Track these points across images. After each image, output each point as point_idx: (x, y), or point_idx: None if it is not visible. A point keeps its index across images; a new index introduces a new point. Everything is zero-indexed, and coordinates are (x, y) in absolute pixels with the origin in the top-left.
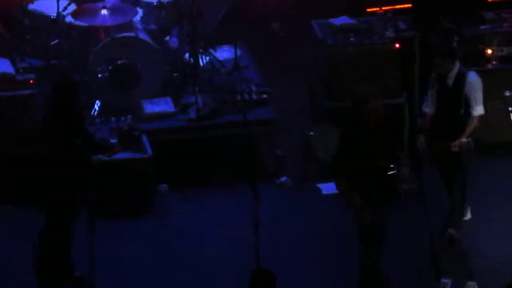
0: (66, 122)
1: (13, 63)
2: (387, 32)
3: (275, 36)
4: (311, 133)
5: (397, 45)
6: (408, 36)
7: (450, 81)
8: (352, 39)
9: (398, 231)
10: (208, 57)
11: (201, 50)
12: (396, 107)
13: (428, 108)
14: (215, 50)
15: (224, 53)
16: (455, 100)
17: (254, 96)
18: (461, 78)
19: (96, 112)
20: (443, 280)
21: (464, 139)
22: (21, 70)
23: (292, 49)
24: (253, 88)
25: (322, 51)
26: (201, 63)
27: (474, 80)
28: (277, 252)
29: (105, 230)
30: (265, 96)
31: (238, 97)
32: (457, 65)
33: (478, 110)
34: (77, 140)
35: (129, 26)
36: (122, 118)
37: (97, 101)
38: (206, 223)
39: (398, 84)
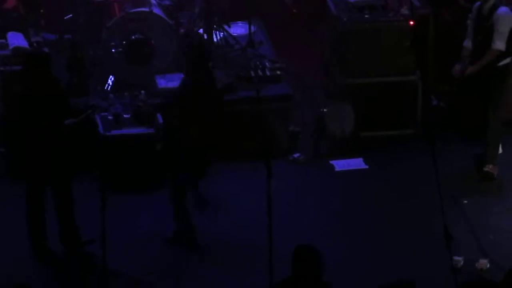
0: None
1: (27, 37)
2: (402, 9)
3: (289, 12)
4: (325, 109)
5: (411, 23)
6: (423, 13)
7: (485, 13)
8: (367, 16)
9: (411, 213)
10: (222, 33)
11: (215, 26)
12: (409, 84)
13: (466, 42)
14: (229, 26)
15: (238, 29)
16: (486, 32)
17: (268, 72)
18: (494, 11)
19: (109, 87)
20: (455, 257)
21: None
22: (35, 44)
23: (306, 26)
24: (267, 64)
25: (337, 28)
26: (215, 39)
27: (502, 14)
28: (290, 228)
29: (118, 205)
30: (279, 72)
31: (252, 73)
32: None
33: (498, 44)
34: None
35: (144, 1)
36: (136, 93)
37: (111, 76)
38: (219, 199)
39: (412, 61)
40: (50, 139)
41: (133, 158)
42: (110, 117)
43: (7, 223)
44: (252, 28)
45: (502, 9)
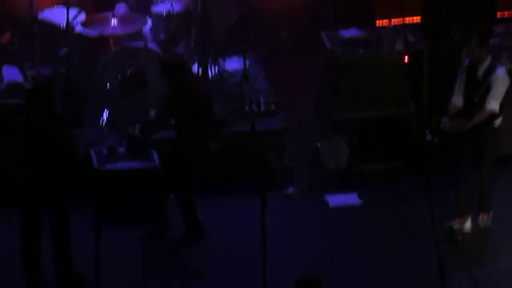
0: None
1: (22, 71)
2: (396, 44)
3: (284, 46)
4: (319, 143)
5: (406, 57)
6: (417, 48)
7: (480, 74)
8: (361, 50)
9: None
10: (217, 67)
11: (210, 60)
12: (404, 118)
13: (455, 98)
14: (224, 60)
15: (233, 63)
16: (482, 94)
17: (263, 107)
18: (491, 72)
19: (104, 121)
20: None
21: (462, 124)
22: (29, 78)
23: (300, 60)
24: (262, 98)
25: (331, 62)
26: (210, 73)
27: (501, 75)
28: (284, 262)
29: (112, 237)
30: (273, 106)
31: (247, 107)
32: (489, 58)
33: (493, 104)
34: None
35: (139, 35)
36: (131, 127)
37: (106, 110)
38: (213, 232)
39: (406, 95)
40: (50, 170)
41: (128, 191)
42: (104, 151)
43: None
44: (247, 62)
45: (500, 71)
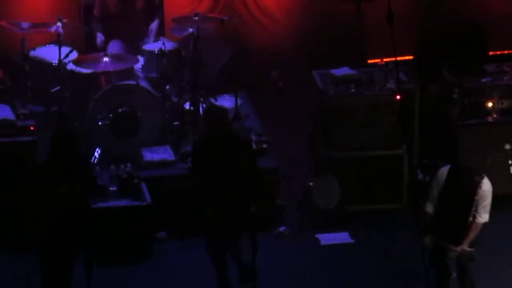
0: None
1: (14, 109)
2: (388, 84)
3: (275, 85)
4: (311, 183)
5: (398, 97)
6: (409, 87)
7: (467, 188)
8: (353, 90)
9: None
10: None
11: (201, 99)
12: (395, 158)
13: (430, 207)
14: (216, 99)
15: (224, 102)
16: (466, 205)
17: (254, 146)
18: (477, 187)
19: (96, 160)
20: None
21: (466, 248)
22: (21, 117)
23: (292, 99)
24: (253, 137)
25: (323, 101)
26: (201, 112)
27: (488, 189)
28: None
29: (103, 278)
30: (265, 145)
31: None
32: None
33: (485, 217)
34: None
35: (130, 73)
36: (122, 166)
37: (97, 149)
38: (204, 272)
39: (398, 135)
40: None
41: (120, 230)
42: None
43: None
44: (239, 101)
45: (486, 185)
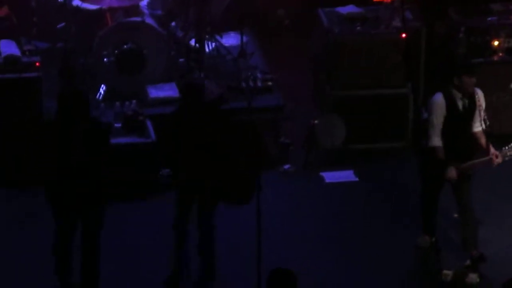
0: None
1: (19, 45)
2: (394, 22)
3: (281, 23)
4: (316, 121)
5: (403, 35)
6: (414, 26)
7: (462, 102)
8: (358, 28)
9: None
10: (214, 43)
11: (207, 36)
12: (400, 97)
13: (438, 140)
14: (221, 37)
15: (230, 40)
16: (467, 119)
17: (259, 83)
18: (474, 96)
19: (101, 96)
20: (444, 271)
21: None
22: (27, 53)
23: (298, 37)
24: (259, 75)
25: (328, 40)
26: (207, 49)
27: (482, 94)
28: (280, 239)
29: (107, 214)
30: (270, 83)
31: (243, 84)
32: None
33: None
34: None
35: (136, 10)
36: (127, 103)
37: (102, 85)
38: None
39: (403, 74)
40: (87, 174)
41: (124, 167)
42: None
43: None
44: (244, 38)
45: (479, 91)
